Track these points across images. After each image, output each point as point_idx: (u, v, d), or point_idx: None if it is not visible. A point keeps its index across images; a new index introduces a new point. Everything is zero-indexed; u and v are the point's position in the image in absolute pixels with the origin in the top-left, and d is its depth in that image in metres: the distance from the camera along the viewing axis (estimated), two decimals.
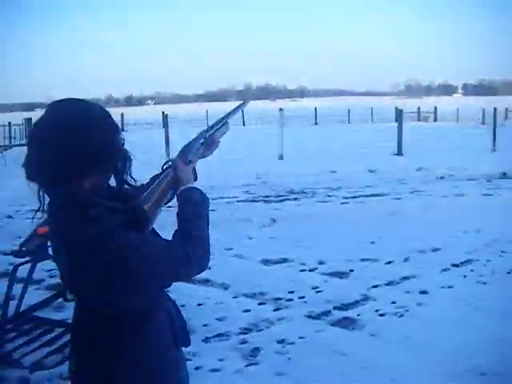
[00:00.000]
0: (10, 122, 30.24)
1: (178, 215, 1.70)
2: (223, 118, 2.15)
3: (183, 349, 1.85)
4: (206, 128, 2.11)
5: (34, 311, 4.77)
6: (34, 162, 1.53)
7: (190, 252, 1.59)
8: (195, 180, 1.95)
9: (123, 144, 1.68)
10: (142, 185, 1.84)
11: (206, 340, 4.26)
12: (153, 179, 1.85)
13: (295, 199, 9.52)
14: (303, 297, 5.04)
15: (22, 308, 4.47)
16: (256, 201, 9.49)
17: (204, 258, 1.65)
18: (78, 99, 1.66)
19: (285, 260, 6.16)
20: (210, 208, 1.77)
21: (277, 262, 6.10)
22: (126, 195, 1.66)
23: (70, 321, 4.32)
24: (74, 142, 1.53)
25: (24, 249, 4.26)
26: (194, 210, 1.69)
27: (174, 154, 1.99)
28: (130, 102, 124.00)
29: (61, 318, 4.55)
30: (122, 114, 32.75)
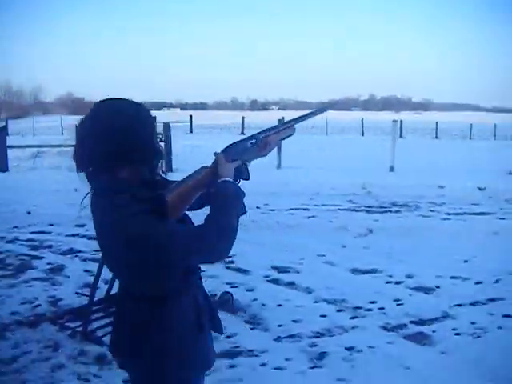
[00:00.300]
0: None
1: (210, 203, 1.86)
2: (289, 122, 2.27)
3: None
4: (262, 130, 2.24)
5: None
6: (78, 156, 1.77)
7: (214, 240, 1.74)
8: (247, 179, 2.12)
9: (159, 141, 1.88)
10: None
11: (278, 339, 4.41)
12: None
13: (396, 211, 9.40)
14: (383, 308, 5.04)
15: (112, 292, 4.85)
16: (357, 210, 9.48)
17: (225, 247, 1.79)
18: (120, 99, 1.87)
19: (373, 270, 6.16)
20: (241, 203, 1.91)
21: (365, 272, 6.12)
22: (158, 186, 1.85)
23: None
24: (110, 137, 1.75)
25: None
26: (225, 201, 1.84)
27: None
28: (254, 106, 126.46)
29: None
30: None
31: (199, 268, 2.01)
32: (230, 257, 6.67)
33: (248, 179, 2.19)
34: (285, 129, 2.24)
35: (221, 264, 6.42)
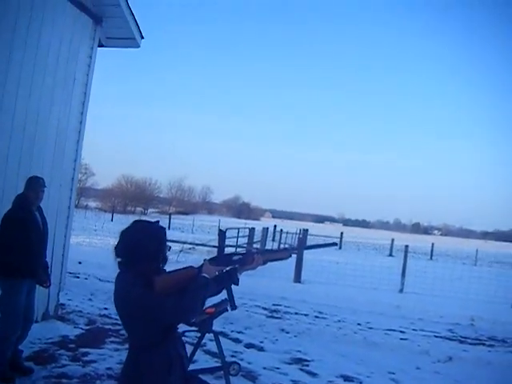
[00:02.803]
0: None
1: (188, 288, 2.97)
2: (284, 249, 3.49)
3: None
4: (257, 249, 3.40)
5: (199, 373, 6.21)
6: (116, 250, 3.00)
7: (180, 307, 2.83)
8: (236, 284, 3.29)
9: (167, 250, 3.05)
10: None
11: None
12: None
13: (490, 345, 9.54)
14: None
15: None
16: (450, 339, 9.76)
17: (190, 315, 2.94)
18: (147, 221, 3.11)
19: None
20: (209, 292, 3.01)
21: None
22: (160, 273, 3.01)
23: None
24: (135, 247, 2.96)
25: (193, 320, 5.78)
26: (197, 287, 2.95)
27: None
28: (417, 229, 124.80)
29: None
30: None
31: (175, 328, 3.08)
32: (308, 360, 7.53)
33: (237, 284, 3.35)
34: (276, 253, 3.49)
35: (297, 365, 7.31)
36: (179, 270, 3.09)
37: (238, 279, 3.36)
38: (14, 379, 5.47)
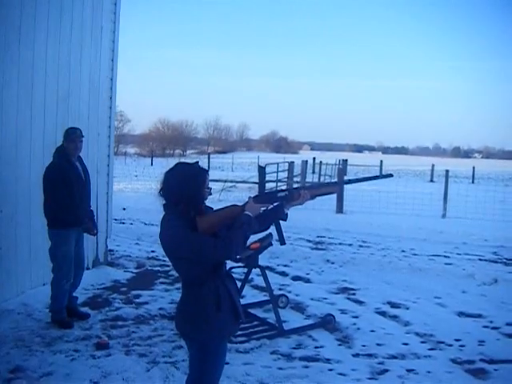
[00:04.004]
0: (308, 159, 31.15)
1: (232, 226, 3.02)
2: (332, 183, 3.50)
3: None
4: (301, 186, 3.42)
5: (248, 307, 6.40)
6: (161, 192, 3.04)
7: (223, 246, 2.90)
8: (284, 220, 3.33)
9: (208, 191, 3.08)
10: None
11: (356, 355, 5.33)
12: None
13: None
14: (463, 346, 5.59)
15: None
16: (496, 262, 9.72)
17: (229, 252, 2.95)
18: (188, 163, 3.14)
19: (478, 315, 6.61)
20: (252, 229, 3.06)
21: (469, 316, 6.61)
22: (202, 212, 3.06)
23: (270, 320, 5.88)
24: (177, 189, 2.99)
25: (239, 256, 5.89)
26: (242, 226, 3.00)
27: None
28: (457, 153, 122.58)
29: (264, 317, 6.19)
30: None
31: (223, 265, 3.14)
32: (354, 289, 7.64)
33: (285, 220, 3.38)
34: (322, 187, 3.47)
35: (343, 294, 7.43)
36: (223, 208, 3.13)
37: (287, 215, 3.40)
38: (72, 324, 5.72)
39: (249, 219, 3.05)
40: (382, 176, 4.01)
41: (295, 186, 16.88)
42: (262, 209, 3.29)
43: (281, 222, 3.61)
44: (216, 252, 2.91)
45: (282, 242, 3.83)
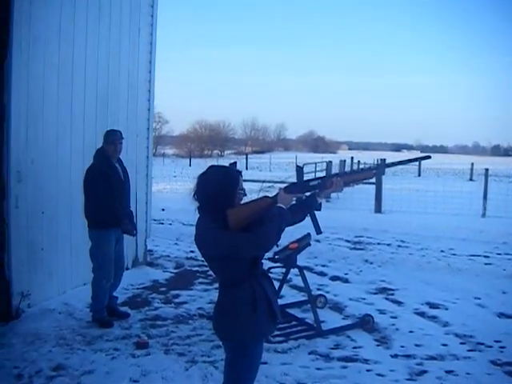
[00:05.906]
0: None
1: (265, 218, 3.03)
2: (367, 169, 3.46)
3: None
4: (334, 173, 3.33)
5: (287, 307, 6.42)
6: (195, 194, 3.08)
7: (257, 240, 2.90)
8: (318, 209, 3.32)
9: (242, 193, 3.10)
10: None
11: (394, 356, 5.28)
12: None
13: None
14: (503, 347, 5.49)
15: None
16: None
17: (264, 246, 2.94)
18: (221, 166, 3.17)
19: None
20: (285, 220, 3.01)
21: (509, 317, 6.50)
22: None
23: (308, 320, 5.89)
24: (210, 191, 3.03)
25: (277, 257, 5.91)
26: (274, 217, 2.99)
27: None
28: (497, 151, 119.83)
29: (302, 317, 6.19)
30: None
31: (260, 264, 3.16)
32: (392, 289, 7.58)
33: (319, 209, 3.33)
34: (356, 174, 3.41)
35: (382, 294, 7.38)
36: (254, 200, 3.10)
37: (321, 204, 3.32)
38: (112, 324, 5.84)
39: (281, 211, 3.03)
40: (420, 158, 3.87)
41: None
42: (295, 199, 3.23)
43: (316, 212, 3.47)
44: (251, 247, 2.92)
45: (319, 231, 3.65)
